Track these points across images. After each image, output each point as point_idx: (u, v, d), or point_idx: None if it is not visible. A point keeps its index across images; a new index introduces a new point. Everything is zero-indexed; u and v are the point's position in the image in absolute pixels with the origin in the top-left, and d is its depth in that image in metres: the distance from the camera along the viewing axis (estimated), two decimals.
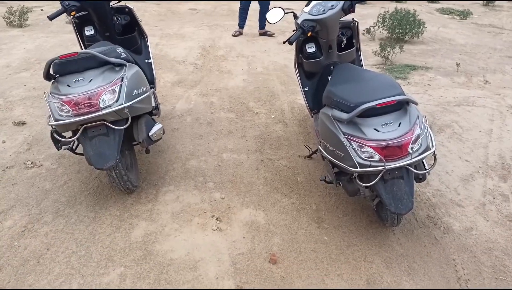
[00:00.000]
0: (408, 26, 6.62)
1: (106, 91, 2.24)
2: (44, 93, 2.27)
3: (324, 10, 2.93)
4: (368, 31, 6.68)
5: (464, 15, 9.37)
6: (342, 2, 2.95)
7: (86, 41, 3.24)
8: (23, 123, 3.53)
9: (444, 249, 2.41)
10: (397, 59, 5.72)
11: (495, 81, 5.07)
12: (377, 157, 2.11)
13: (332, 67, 3.28)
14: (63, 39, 6.16)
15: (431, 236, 2.51)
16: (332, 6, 2.94)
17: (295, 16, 3.06)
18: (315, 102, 3.41)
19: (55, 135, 2.34)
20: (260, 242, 2.36)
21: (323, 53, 3.18)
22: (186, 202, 2.65)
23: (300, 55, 3.31)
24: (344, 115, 2.20)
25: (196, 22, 7.86)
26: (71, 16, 3.10)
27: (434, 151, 2.19)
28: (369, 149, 2.12)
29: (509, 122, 3.81)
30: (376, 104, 2.08)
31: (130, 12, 3.30)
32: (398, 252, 2.37)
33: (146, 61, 3.39)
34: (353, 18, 3.24)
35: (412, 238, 2.49)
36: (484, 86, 4.90)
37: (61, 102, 2.18)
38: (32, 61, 5.07)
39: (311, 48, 3.20)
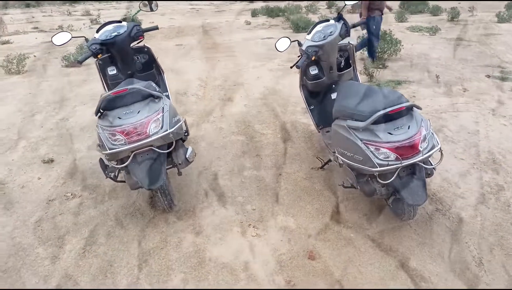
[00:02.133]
0: (386, 45, 7.17)
1: (153, 120, 2.54)
2: (97, 125, 2.55)
3: (324, 36, 3.34)
4: None
5: (433, 31, 10.08)
6: (339, 29, 3.36)
7: (109, 80, 3.54)
8: (52, 161, 3.76)
9: (456, 235, 2.73)
10: (381, 76, 6.20)
11: (472, 88, 5.58)
12: (392, 156, 2.44)
13: (333, 86, 3.67)
14: (64, 82, 6.43)
15: (443, 225, 2.84)
16: (331, 32, 3.35)
17: (299, 44, 3.45)
18: (321, 118, 3.77)
19: (105, 162, 2.61)
20: (296, 243, 2.65)
21: (325, 74, 3.56)
22: (222, 215, 2.92)
23: (304, 77, 3.68)
24: (361, 124, 2.54)
25: (186, 56, 8.24)
26: (96, 59, 3.42)
27: (440, 147, 2.54)
28: (385, 150, 2.46)
29: (492, 123, 4.26)
30: (389, 111, 2.44)
31: (148, 51, 3.64)
32: (418, 241, 2.69)
33: (164, 94, 3.70)
34: (348, 42, 3.65)
35: (426, 229, 2.81)
36: (463, 93, 5.38)
37: (115, 132, 2.46)
38: (41, 104, 5.31)
39: (314, 71, 3.59)
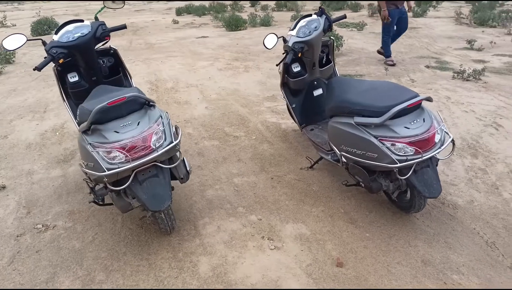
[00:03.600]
0: None
1: (155, 132, 2.20)
2: (90, 144, 2.13)
3: (309, 32, 3.23)
4: None
5: (360, 26, 10.53)
6: (322, 23, 3.27)
7: (70, 89, 3.08)
8: (3, 187, 3.18)
9: (462, 222, 2.77)
10: None
11: (418, 79, 5.86)
12: (410, 151, 2.38)
13: (315, 82, 3.57)
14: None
15: (446, 213, 2.87)
16: (315, 27, 3.25)
17: (285, 40, 3.29)
18: (303, 116, 3.65)
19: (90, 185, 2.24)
20: (318, 251, 2.49)
21: (308, 71, 3.46)
22: (229, 230, 2.66)
23: (286, 76, 3.53)
24: (375, 120, 2.44)
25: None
26: (55, 64, 2.94)
27: (452, 138, 2.55)
28: (403, 145, 2.40)
29: (454, 110, 4.47)
30: (407, 105, 2.38)
31: (115, 54, 3.22)
32: (431, 233, 2.68)
33: None
34: (329, 37, 3.57)
35: (433, 219, 2.82)
36: (412, 84, 5.62)
37: (114, 150, 2.08)
38: None
39: (296, 68, 3.46)
